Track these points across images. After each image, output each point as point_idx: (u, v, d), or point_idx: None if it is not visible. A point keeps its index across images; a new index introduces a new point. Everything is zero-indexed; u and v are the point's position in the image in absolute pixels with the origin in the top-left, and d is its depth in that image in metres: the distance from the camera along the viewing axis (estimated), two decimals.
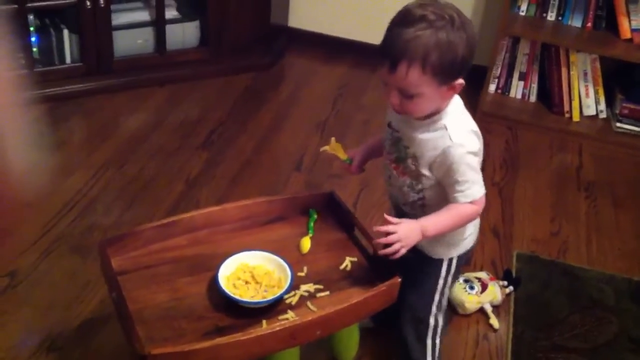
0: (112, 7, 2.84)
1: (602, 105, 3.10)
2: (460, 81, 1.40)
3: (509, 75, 3.15)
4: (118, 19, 2.91)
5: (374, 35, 3.32)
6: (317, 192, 1.83)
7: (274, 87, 3.18)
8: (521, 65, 3.12)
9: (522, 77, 3.14)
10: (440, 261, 1.62)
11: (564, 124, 3.08)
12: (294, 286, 1.52)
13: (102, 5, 2.79)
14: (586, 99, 3.09)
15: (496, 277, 2.17)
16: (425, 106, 1.41)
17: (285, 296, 1.51)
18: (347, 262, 1.62)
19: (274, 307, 1.49)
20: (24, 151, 0.59)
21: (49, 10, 2.84)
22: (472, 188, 1.46)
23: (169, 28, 3.01)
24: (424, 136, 1.46)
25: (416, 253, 1.58)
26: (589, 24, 3.00)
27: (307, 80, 3.25)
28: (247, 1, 3.10)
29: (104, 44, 2.88)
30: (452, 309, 2.04)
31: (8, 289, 1.99)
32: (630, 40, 2.94)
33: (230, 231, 1.68)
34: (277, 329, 1.40)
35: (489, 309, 2.08)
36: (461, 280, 2.06)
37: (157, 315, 1.45)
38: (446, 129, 1.44)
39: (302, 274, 1.58)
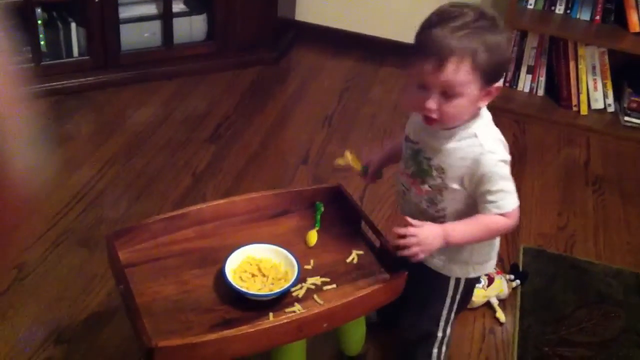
0: (120, 0, 2.84)
1: (610, 99, 3.09)
2: (499, 84, 1.38)
3: (517, 69, 3.14)
4: (125, 12, 2.91)
5: (381, 28, 3.34)
6: (324, 185, 1.82)
7: (281, 81, 3.18)
8: (529, 58, 3.11)
9: (530, 70, 3.13)
10: (454, 279, 1.58)
11: (572, 117, 3.07)
12: (300, 279, 1.52)
13: None
14: (594, 92, 3.08)
15: (503, 271, 2.17)
16: (463, 110, 1.36)
17: (292, 289, 1.51)
18: (353, 255, 1.62)
19: (281, 300, 1.49)
20: (28, 145, 0.59)
21: (57, 4, 2.84)
22: (505, 199, 1.40)
23: (176, 21, 3.01)
24: (451, 146, 1.41)
25: (426, 269, 1.55)
26: (598, 17, 2.99)
27: (314, 74, 3.24)
28: None
29: (111, 38, 2.88)
30: None
31: (15, 282, 1.99)
32: (639, 33, 2.92)
33: (238, 224, 1.68)
34: (284, 321, 1.40)
35: (495, 302, 2.07)
36: None
37: (164, 307, 1.45)
38: (476, 136, 1.40)
39: (309, 267, 1.58)
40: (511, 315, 2.08)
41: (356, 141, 2.78)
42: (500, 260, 2.27)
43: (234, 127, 2.80)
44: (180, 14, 3.03)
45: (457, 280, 1.58)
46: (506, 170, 1.41)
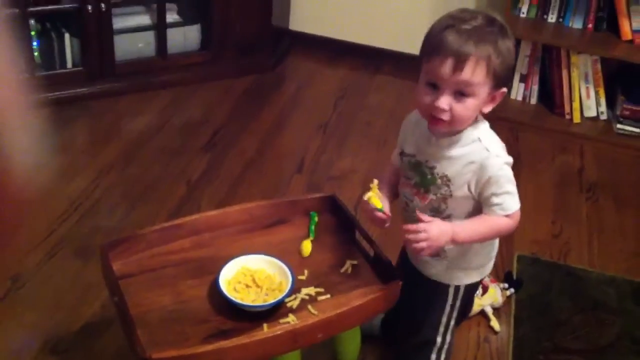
0: (114, 11, 2.85)
1: (603, 107, 3.10)
2: (504, 90, 1.41)
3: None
4: (119, 23, 2.92)
5: (375, 37, 3.35)
6: (318, 194, 1.82)
7: (276, 89, 3.19)
8: (522, 67, 3.12)
9: (523, 79, 3.14)
10: (453, 287, 1.59)
11: (565, 125, 3.08)
12: (294, 290, 1.53)
13: (104, 10, 2.80)
14: (587, 100, 3.09)
15: (497, 279, 2.17)
16: (471, 112, 1.38)
17: (286, 300, 1.51)
18: (348, 265, 1.63)
19: (275, 311, 1.49)
20: (26, 152, 0.59)
21: (51, 15, 2.85)
22: (510, 201, 1.43)
23: (170, 32, 3.01)
24: (455, 152, 1.43)
25: (425, 278, 1.57)
26: (590, 26, 3.00)
27: (309, 82, 3.25)
28: (249, 4, 3.11)
29: (106, 48, 2.88)
30: None
31: (11, 292, 1.99)
32: (631, 41, 2.94)
33: (233, 234, 1.68)
34: (279, 332, 1.40)
35: (489, 311, 2.08)
36: None
37: (160, 318, 1.46)
38: (480, 141, 1.42)
39: (303, 277, 1.58)
40: (506, 323, 2.08)
41: (351, 149, 2.78)
42: (494, 268, 2.27)
43: (229, 135, 2.80)
44: (174, 24, 3.04)
45: (457, 287, 1.59)
46: (510, 172, 1.44)
